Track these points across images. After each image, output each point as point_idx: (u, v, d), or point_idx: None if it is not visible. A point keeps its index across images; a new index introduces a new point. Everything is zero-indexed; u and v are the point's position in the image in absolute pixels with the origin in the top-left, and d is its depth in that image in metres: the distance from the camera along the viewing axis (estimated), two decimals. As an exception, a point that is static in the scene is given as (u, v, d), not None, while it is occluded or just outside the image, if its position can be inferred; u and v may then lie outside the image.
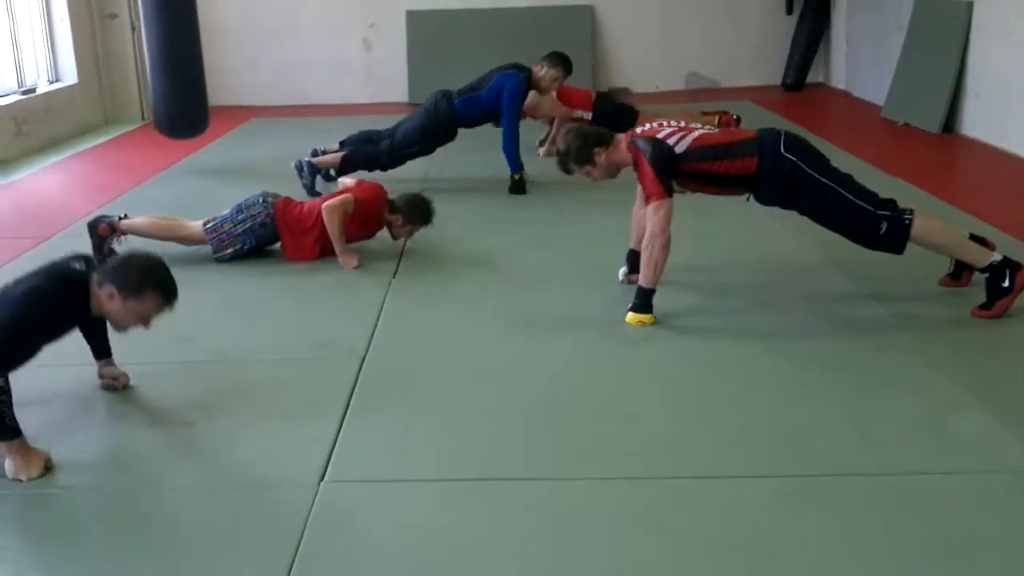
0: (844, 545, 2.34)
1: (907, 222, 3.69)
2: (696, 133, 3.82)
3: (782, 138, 3.79)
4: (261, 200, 4.57)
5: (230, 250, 4.53)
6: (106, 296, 2.85)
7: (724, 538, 2.38)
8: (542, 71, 5.93)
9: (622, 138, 3.90)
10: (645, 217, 3.79)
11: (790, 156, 3.73)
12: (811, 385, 3.21)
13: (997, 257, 3.72)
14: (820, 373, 3.30)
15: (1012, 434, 2.83)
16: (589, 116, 6.82)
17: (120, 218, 4.61)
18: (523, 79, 5.81)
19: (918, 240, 3.72)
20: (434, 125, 5.86)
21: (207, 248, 4.55)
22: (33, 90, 7.90)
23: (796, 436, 2.87)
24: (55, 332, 2.85)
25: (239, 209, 4.56)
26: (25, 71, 8.01)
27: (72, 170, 7.05)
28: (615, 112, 6.93)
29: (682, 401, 3.14)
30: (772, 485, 2.61)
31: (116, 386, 3.24)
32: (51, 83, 8.28)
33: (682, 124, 3.89)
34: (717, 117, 6.97)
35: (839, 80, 9.70)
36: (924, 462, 2.71)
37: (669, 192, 3.73)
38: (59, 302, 2.80)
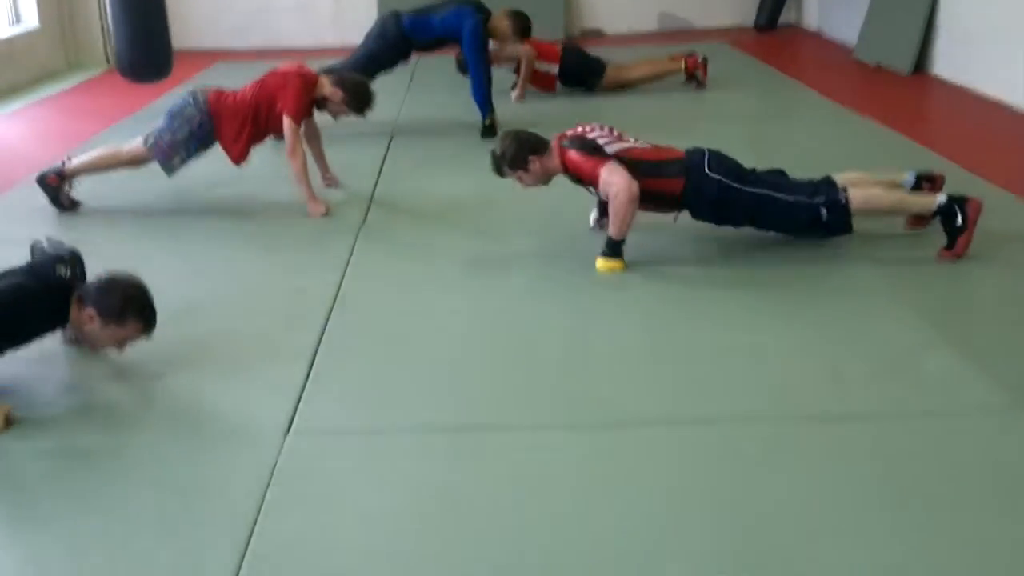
0: (820, 492, 2.36)
1: (844, 201, 3.70)
2: (627, 144, 3.82)
3: (706, 158, 3.78)
4: (192, 101, 4.43)
5: (176, 159, 4.43)
6: (87, 317, 2.83)
7: (698, 486, 2.40)
8: (504, 24, 5.89)
9: (554, 145, 3.87)
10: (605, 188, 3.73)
11: (714, 175, 3.73)
12: (781, 328, 3.23)
13: (943, 198, 3.74)
14: (790, 316, 3.32)
15: (980, 373, 2.85)
16: (556, 70, 6.75)
17: (63, 163, 4.53)
18: (480, 21, 5.72)
19: (860, 212, 3.74)
20: (385, 47, 5.81)
21: (172, 201, 4.48)
22: (-9, 34, 7.70)
23: (768, 380, 2.89)
24: (29, 336, 2.84)
25: (172, 115, 4.43)
26: (-18, 15, 7.80)
27: (33, 117, 6.90)
28: (582, 64, 6.85)
29: (651, 347, 3.15)
30: (746, 431, 2.63)
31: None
32: (11, 25, 8.07)
33: (615, 133, 3.88)
34: (683, 61, 6.90)
35: (811, 21, 9.62)
36: (896, 404, 2.74)
37: (608, 157, 3.70)
38: (41, 308, 2.79)
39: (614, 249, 3.74)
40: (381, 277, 3.75)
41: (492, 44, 6.01)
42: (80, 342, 3.18)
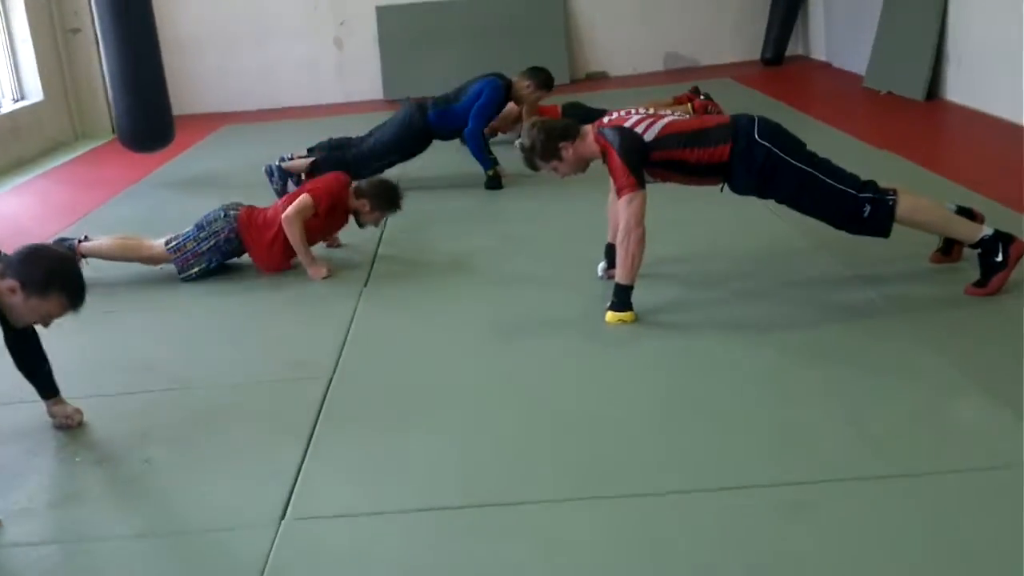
0: (851, 559, 2.18)
1: (891, 203, 3.53)
2: (665, 120, 3.65)
3: (756, 123, 3.62)
4: (223, 215, 4.39)
5: (195, 269, 4.36)
6: (7, 288, 2.67)
7: (724, 558, 2.22)
8: (525, 86, 5.82)
9: (589, 129, 3.73)
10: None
11: (764, 142, 3.56)
12: (804, 380, 3.05)
13: (988, 231, 3.56)
14: (812, 365, 3.14)
15: (1014, 423, 2.67)
16: None
17: (80, 240, 4.46)
18: (502, 87, 5.69)
19: (904, 221, 3.56)
20: (408, 137, 5.72)
21: (165, 273, 4.39)
22: (-4, 110, 7.72)
23: (791, 439, 2.70)
24: None
25: (200, 226, 4.38)
26: (-13, 91, 7.83)
27: (39, 190, 6.88)
28: (585, 118, 6.72)
29: (669, 406, 2.97)
30: (771, 496, 2.44)
31: (70, 424, 3.08)
32: (16, 101, 8.09)
33: (651, 111, 3.72)
34: (689, 103, 6.77)
35: (819, 51, 9.52)
36: (926, 460, 2.55)
37: (641, 183, 3.57)
38: None
39: (622, 299, 3.59)
40: (383, 344, 3.60)
41: (512, 108, 6.00)
42: (68, 427, 3.06)
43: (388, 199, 4.44)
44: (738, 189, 3.72)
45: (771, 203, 3.80)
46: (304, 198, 4.32)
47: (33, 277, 2.68)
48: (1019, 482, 2.41)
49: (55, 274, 2.72)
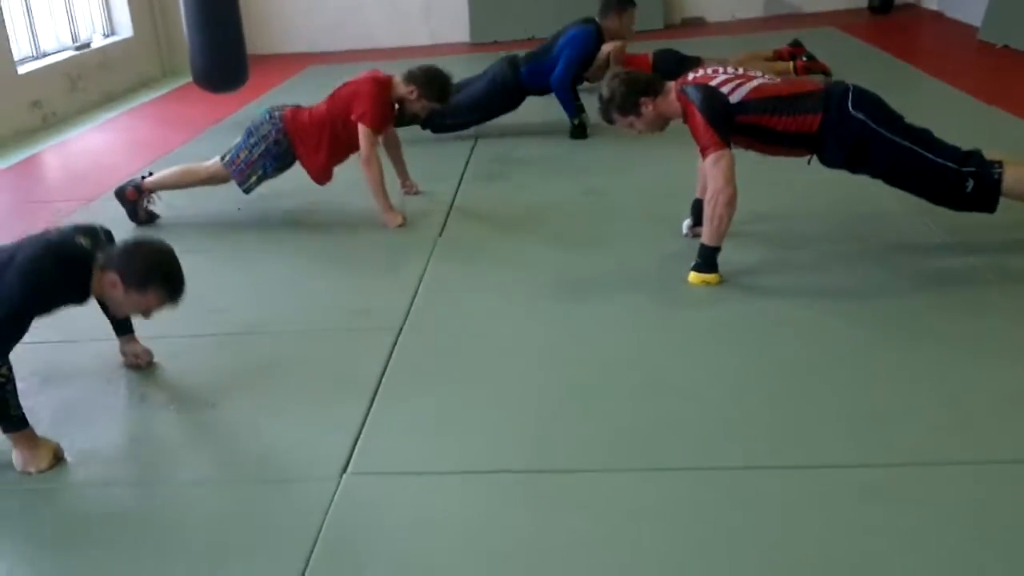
0: (933, 549, 2.02)
1: (996, 176, 3.26)
2: (755, 82, 3.42)
3: (850, 93, 3.37)
4: (268, 118, 4.29)
5: (253, 178, 4.30)
6: (109, 283, 2.66)
7: (800, 540, 2.08)
8: (611, 21, 5.54)
9: (672, 86, 3.52)
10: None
11: (858, 114, 3.32)
12: (896, 354, 2.85)
13: (1106, 199, 3.27)
14: (906, 339, 2.94)
15: None
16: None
17: (143, 177, 4.46)
18: (592, 32, 5.46)
19: (1011, 195, 3.30)
20: (499, 95, 5.54)
21: (244, 213, 4.36)
22: (87, 45, 7.79)
23: (879, 418, 2.52)
24: (49, 310, 2.68)
25: (249, 132, 4.30)
26: (79, 26, 7.90)
27: (125, 126, 6.94)
28: (676, 69, 6.44)
29: (749, 376, 2.80)
30: (853, 477, 2.28)
31: (139, 363, 3.08)
32: (106, 37, 8.17)
33: (740, 71, 3.49)
34: (791, 60, 6.40)
35: (931, 1, 8.98)
36: (1022, 447, 2.35)
37: (727, 142, 3.36)
38: (59, 281, 2.62)
39: (708, 260, 3.41)
40: (454, 298, 3.50)
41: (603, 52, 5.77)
42: (137, 366, 3.06)
43: (438, 88, 4.25)
44: (828, 162, 3.49)
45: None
46: (368, 134, 4.15)
47: (133, 271, 2.65)
48: None
49: (154, 268, 2.69)
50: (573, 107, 5.48)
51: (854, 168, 3.46)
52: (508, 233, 4.12)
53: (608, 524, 2.18)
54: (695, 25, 9.28)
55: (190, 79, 8.32)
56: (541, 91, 5.57)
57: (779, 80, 3.54)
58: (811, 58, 6.41)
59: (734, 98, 3.38)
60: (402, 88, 4.25)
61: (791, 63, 6.37)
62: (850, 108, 3.34)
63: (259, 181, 4.32)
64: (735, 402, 2.66)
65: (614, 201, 4.43)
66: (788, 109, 3.37)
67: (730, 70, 3.50)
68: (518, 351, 3.05)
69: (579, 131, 5.48)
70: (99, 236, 2.78)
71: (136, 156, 5.81)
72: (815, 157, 3.50)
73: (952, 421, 2.49)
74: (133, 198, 4.40)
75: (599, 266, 3.67)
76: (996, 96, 5.57)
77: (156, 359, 3.11)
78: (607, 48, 6.16)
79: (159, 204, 4.50)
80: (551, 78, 5.46)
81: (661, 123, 3.57)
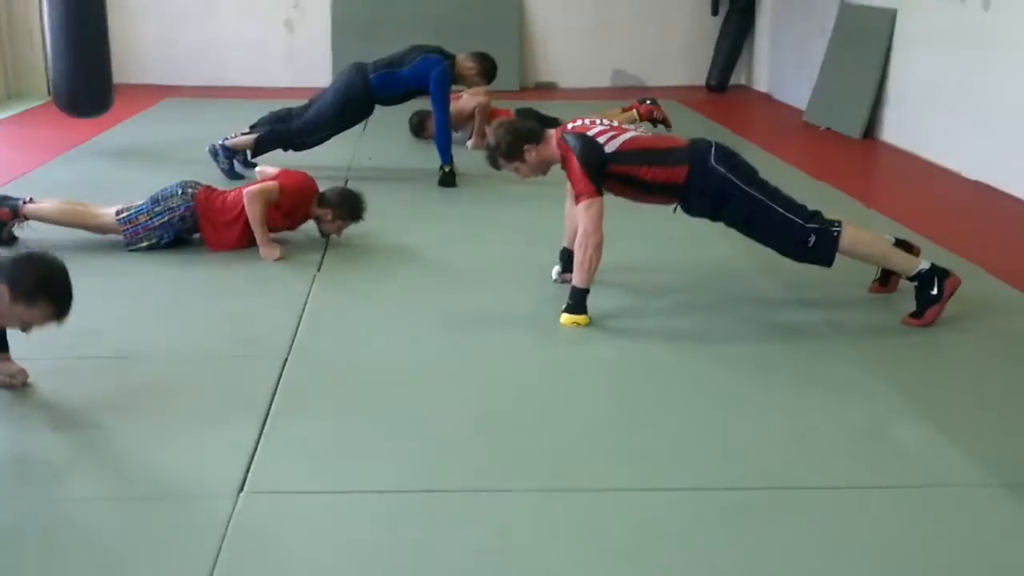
0: (788, 563, 2.27)
1: (835, 234, 3.67)
2: (628, 135, 3.75)
3: (712, 149, 3.74)
4: (180, 192, 4.31)
5: (145, 244, 4.27)
6: None
7: (666, 555, 2.29)
8: (469, 67, 5.77)
9: (553, 134, 3.80)
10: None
11: (719, 167, 3.68)
12: (750, 392, 3.16)
13: (925, 265, 3.73)
14: (758, 379, 3.26)
15: (954, 447, 2.81)
16: None
17: (25, 202, 4.33)
18: (447, 67, 5.65)
19: (846, 251, 3.71)
20: (349, 102, 5.64)
21: (120, 239, 4.29)
22: (-73, 60, 7.42)
23: (738, 446, 2.80)
24: None
25: (156, 200, 4.29)
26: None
27: (-31, 147, 6.64)
28: (539, 123, 6.78)
29: (619, 408, 3.05)
30: (716, 499, 2.53)
31: (13, 383, 3.00)
32: (-53, 54, 7.80)
33: (615, 124, 3.81)
34: (635, 109, 6.80)
35: (762, 83, 9.79)
36: (868, 475, 2.67)
37: (599, 190, 3.65)
38: None
39: (577, 302, 3.66)
40: (337, 328, 3.59)
41: (456, 89, 5.95)
42: (11, 386, 2.99)
43: (352, 209, 4.40)
44: (691, 211, 3.83)
45: (719, 224, 3.91)
46: (272, 185, 4.31)
47: (23, 283, 2.62)
48: (951, 500, 2.55)
49: (46, 283, 2.66)
50: (448, 154, 5.67)
51: (714, 216, 3.80)
52: (386, 270, 4.26)
53: (491, 541, 2.33)
54: (548, 89, 9.73)
55: (37, 103, 8.08)
56: (389, 101, 5.72)
57: (650, 135, 3.87)
58: (653, 102, 6.82)
59: (609, 148, 3.67)
60: (317, 210, 4.41)
61: (635, 111, 6.73)
62: (712, 162, 3.68)
63: (150, 248, 4.28)
64: (608, 431, 2.88)
65: (486, 245, 4.64)
66: (657, 161, 3.69)
67: (605, 122, 3.81)
68: (403, 379, 3.18)
69: (448, 178, 5.67)
70: None
71: (-16, 177, 5.58)
72: (680, 206, 3.82)
73: (805, 451, 2.79)
74: (6, 219, 4.27)
75: (477, 304, 3.85)
76: (823, 172, 6.17)
77: (31, 380, 3.04)
78: (473, 102, 6.43)
79: (26, 230, 4.35)
80: (435, 126, 5.65)
81: (543, 167, 3.83)
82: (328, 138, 5.76)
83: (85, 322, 3.47)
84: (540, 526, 2.40)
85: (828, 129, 7.71)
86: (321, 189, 4.50)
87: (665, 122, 6.72)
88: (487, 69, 5.86)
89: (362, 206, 4.43)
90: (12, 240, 4.32)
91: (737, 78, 9.99)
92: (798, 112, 8.33)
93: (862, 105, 7.32)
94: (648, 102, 6.85)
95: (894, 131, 7.13)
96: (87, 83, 6.17)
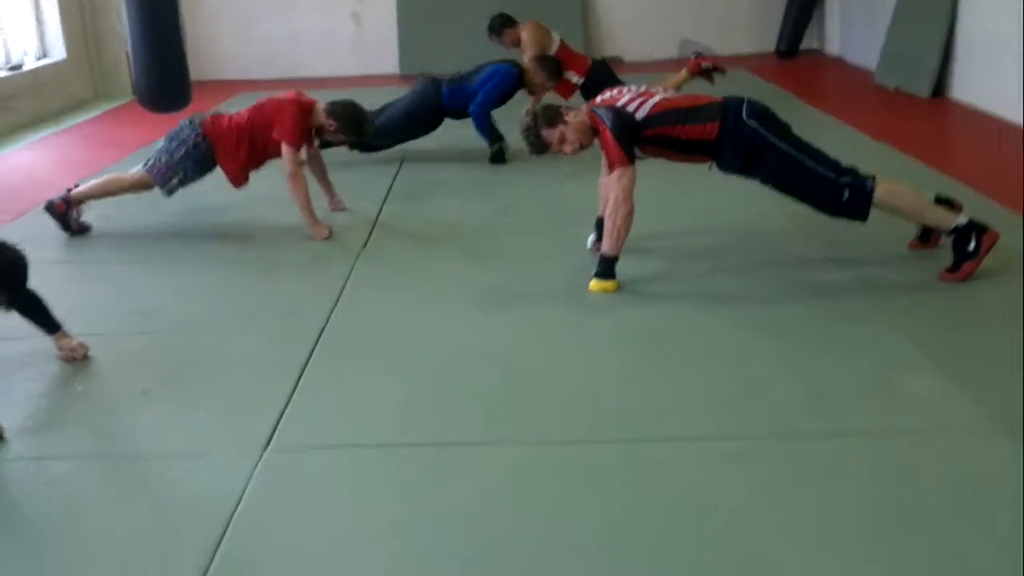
0: (795, 508, 2.33)
1: (869, 188, 3.65)
2: (656, 98, 3.79)
3: (744, 104, 3.75)
4: (188, 123, 4.55)
5: (174, 180, 4.52)
6: None
7: (669, 500, 2.39)
8: (538, 75, 5.85)
9: (583, 108, 3.87)
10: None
11: (751, 122, 3.70)
12: (769, 350, 3.20)
13: (963, 220, 3.68)
14: (779, 338, 3.28)
15: (963, 394, 2.81)
16: (578, 80, 6.64)
17: (69, 190, 4.64)
18: (515, 74, 5.78)
19: (881, 206, 3.69)
20: (421, 113, 5.81)
21: (179, 225, 4.55)
22: (20, 66, 7.90)
23: (745, 399, 2.86)
24: None
25: (171, 138, 4.55)
26: (11, 48, 8.00)
27: (57, 146, 7.06)
28: (608, 81, 6.79)
29: (636, 367, 3.13)
30: (717, 447, 2.60)
31: (75, 356, 3.26)
32: (39, 59, 8.28)
33: (642, 90, 3.86)
34: (685, 69, 6.69)
35: (833, 46, 9.59)
36: (873, 422, 2.70)
37: (631, 159, 3.71)
38: None
39: (607, 268, 3.74)
40: (375, 303, 3.75)
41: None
42: (73, 359, 3.24)
43: (356, 124, 4.55)
44: (724, 167, 3.85)
45: (755, 186, 3.93)
46: (292, 154, 4.39)
47: None
48: (959, 445, 2.57)
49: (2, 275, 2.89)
50: (490, 135, 5.79)
51: (747, 172, 3.81)
52: (428, 247, 4.41)
53: (505, 489, 2.46)
54: (613, 63, 9.72)
55: (123, 101, 8.52)
56: (459, 115, 5.86)
57: (679, 95, 3.90)
58: (698, 55, 6.67)
59: (640, 114, 3.73)
60: (322, 118, 4.53)
61: (684, 70, 6.62)
62: (744, 117, 3.71)
63: (180, 184, 4.54)
64: (622, 388, 2.98)
65: (527, 221, 4.74)
66: (689, 119, 3.73)
67: (633, 88, 3.86)
68: (435, 347, 3.32)
69: (498, 156, 5.79)
70: None
71: (67, 174, 5.93)
72: (714, 163, 3.86)
73: (808, 401, 2.83)
74: (62, 210, 4.58)
75: (513, 276, 3.97)
76: (882, 132, 6.06)
77: (90, 353, 3.30)
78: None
79: (92, 215, 4.67)
80: (470, 108, 5.77)
81: (587, 134, 3.81)
82: (395, 144, 5.90)
83: (145, 302, 3.78)
84: (546, 476, 2.51)
85: (897, 89, 7.53)
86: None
87: (718, 70, 6.60)
88: (553, 72, 5.90)
89: (366, 121, 4.60)
90: (83, 229, 4.63)
91: (808, 42, 9.81)
92: (869, 74, 8.15)
93: (930, 63, 7.13)
94: (693, 55, 6.76)
95: (963, 88, 6.93)
96: (165, 79, 6.46)
